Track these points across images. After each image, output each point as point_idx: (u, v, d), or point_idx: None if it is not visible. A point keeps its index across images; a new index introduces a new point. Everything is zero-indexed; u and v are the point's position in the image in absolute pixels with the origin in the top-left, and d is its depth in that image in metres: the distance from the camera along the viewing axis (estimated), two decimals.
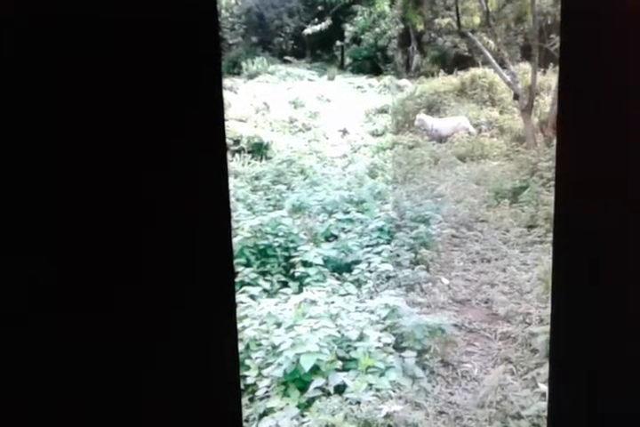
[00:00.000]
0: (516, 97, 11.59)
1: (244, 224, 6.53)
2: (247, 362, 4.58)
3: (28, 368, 0.85)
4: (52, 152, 0.83)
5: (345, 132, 12.92)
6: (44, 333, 0.85)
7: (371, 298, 5.56)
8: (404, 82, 15.98)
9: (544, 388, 4.34)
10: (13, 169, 0.83)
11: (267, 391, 4.34)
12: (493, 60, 11.72)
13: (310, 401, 4.21)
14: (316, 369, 4.37)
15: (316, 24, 18.86)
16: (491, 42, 13.24)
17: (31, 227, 0.84)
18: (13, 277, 0.83)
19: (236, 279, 5.64)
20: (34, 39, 0.82)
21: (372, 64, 18.11)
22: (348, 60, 19.19)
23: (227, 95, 13.19)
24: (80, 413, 0.88)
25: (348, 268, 6.22)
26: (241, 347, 4.65)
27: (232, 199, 7.48)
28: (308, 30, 18.81)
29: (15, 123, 0.82)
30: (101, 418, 0.89)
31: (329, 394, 4.24)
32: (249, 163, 10.32)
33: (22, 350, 0.85)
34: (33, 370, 0.85)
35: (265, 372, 4.44)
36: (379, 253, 6.41)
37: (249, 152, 10.80)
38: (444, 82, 14.87)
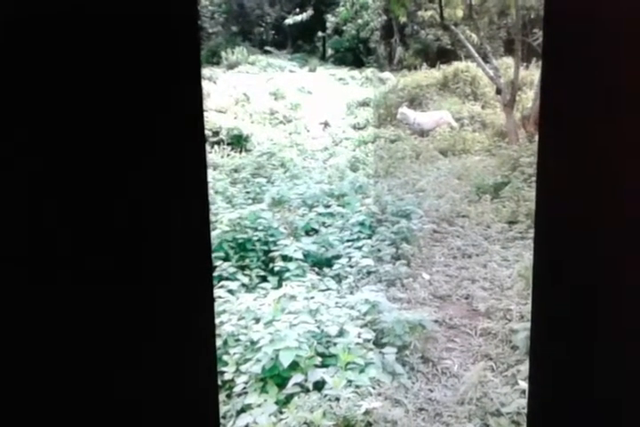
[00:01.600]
0: (498, 91, 11.60)
1: (223, 217, 6.46)
2: (225, 358, 4.52)
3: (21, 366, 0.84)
4: (32, 144, 0.82)
5: (326, 124, 12.86)
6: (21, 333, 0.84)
7: (351, 293, 5.52)
8: (386, 75, 15.95)
9: (524, 385, 4.33)
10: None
11: (244, 388, 4.29)
12: (476, 54, 11.71)
13: (289, 398, 4.17)
14: (294, 365, 4.32)
15: (298, 14, 18.76)
16: (474, 35, 13.24)
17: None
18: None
19: (215, 274, 5.57)
20: (15, 36, 0.79)
21: (354, 56, 18.06)
22: (329, 52, 19.13)
23: (206, 85, 13.06)
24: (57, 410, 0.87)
25: (329, 262, 6.18)
26: (219, 342, 4.59)
27: (211, 192, 7.39)
28: (290, 20, 18.70)
29: None
30: (75, 414, 0.87)
31: (308, 390, 4.19)
32: (228, 155, 10.23)
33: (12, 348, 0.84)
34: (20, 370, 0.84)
35: (243, 368, 4.38)
36: (359, 248, 6.37)
37: (228, 144, 10.70)
38: (427, 75, 14.86)
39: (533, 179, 7.54)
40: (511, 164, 8.99)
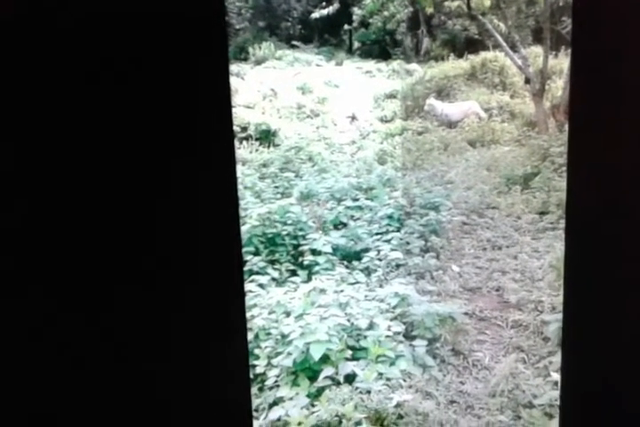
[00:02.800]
0: (527, 81, 11.46)
1: (252, 212, 6.50)
2: (256, 351, 4.56)
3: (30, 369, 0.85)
4: (58, 145, 0.82)
5: (354, 118, 12.84)
6: (53, 331, 0.85)
7: (380, 286, 5.52)
8: (413, 66, 15.84)
9: (556, 377, 4.30)
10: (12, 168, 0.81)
11: (276, 381, 4.33)
12: (504, 44, 11.58)
13: (320, 391, 4.19)
14: (325, 358, 4.34)
15: (324, 8, 18.70)
16: (501, 25, 13.08)
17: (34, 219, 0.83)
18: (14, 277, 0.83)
19: (245, 268, 5.62)
20: (37, 35, 0.80)
21: (380, 48, 17.95)
22: (356, 45, 19.04)
23: (234, 81, 13.12)
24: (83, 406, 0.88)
25: (358, 256, 6.18)
26: (250, 336, 4.63)
27: (240, 187, 7.44)
28: (316, 14, 18.65)
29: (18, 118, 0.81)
30: (107, 408, 0.88)
31: (339, 383, 4.22)
32: (257, 150, 10.27)
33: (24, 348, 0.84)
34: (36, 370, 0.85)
35: (274, 361, 4.42)
36: (388, 241, 6.36)
37: (256, 139, 10.74)
38: (454, 66, 14.72)
39: (564, 169, 7.45)
40: (541, 154, 8.88)
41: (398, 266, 5.94)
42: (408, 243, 6.41)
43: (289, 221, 6.43)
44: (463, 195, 7.92)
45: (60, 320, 0.86)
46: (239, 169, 8.46)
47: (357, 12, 18.34)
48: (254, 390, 4.30)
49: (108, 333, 0.87)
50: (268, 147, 10.53)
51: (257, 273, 5.66)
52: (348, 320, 4.68)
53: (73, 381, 0.87)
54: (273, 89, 13.55)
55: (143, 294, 0.88)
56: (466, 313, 5.28)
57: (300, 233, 6.35)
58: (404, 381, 4.31)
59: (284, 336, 4.55)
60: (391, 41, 17.77)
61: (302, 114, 12.83)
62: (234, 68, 14.41)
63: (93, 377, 0.88)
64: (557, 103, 10.78)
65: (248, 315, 4.73)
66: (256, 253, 6.05)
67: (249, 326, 4.62)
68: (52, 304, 0.85)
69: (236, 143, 10.04)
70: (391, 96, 13.88)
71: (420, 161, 9.66)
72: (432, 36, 17.37)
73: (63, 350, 0.86)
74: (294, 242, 6.26)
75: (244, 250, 5.89)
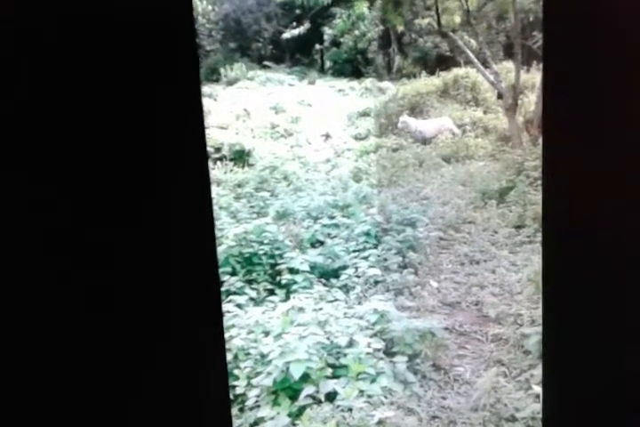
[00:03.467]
0: (499, 96, 11.61)
1: (229, 232, 6.46)
2: (236, 372, 4.51)
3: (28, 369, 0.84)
4: (37, 156, 0.82)
5: (328, 136, 12.88)
6: (42, 334, 0.84)
7: (359, 303, 5.50)
8: (385, 84, 15.98)
9: (538, 389, 4.29)
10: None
11: (257, 401, 4.27)
12: (475, 60, 11.73)
13: (301, 410, 4.15)
14: (305, 377, 4.30)
15: (295, 28, 18.84)
16: (472, 41, 13.27)
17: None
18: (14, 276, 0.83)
19: (222, 288, 5.56)
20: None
21: (352, 67, 18.11)
22: (328, 64, 19.18)
23: (206, 102, 13.12)
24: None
25: (336, 273, 6.16)
26: (229, 357, 4.57)
27: (215, 207, 7.40)
28: (287, 34, 18.78)
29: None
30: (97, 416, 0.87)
31: (320, 402, 4.18)
32: (231, 170, 10.24)
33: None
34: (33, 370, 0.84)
35: (254, 381, 4.37)
36: (366, 258, 6.35)
37: (231, 160, 10.72)
38: (426, 83, 14.88)
39: (539, 182, 7.51)
40: (516, 168, 8.96)
41: (377, 283, 5.93)
42: (386, 259, 6.40)
43: (265, 241, 6.40)
44: (439, 210, 7.96)
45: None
46: (214, 190, 8.43)
47: (328, 32, 18.51)
48: (234, 410, 4.24)
49: (87, 356, 0.86)
50: (243, 167, 10.51)
51: (234, 293, 5.61)
52: (328, 338, 4.65)
53: (52, 387, 0.85)
54: (246, 109, 13.57)
55: (119, 319, 0.87)
56: (445, 328, 5.27)
57: (277, 252, 6.31)
58: (386, 397, 4.28)
59: (263, 356, 4.50)
60: (363, 59, 17.94)
61: (276, 133, 12.85)
62: (206, 89, 14.43)
63: (69, 397, 0.86)
64: (530, 118, 10.90)
65: (227, 335, 4.67)
66: (233, 274, 6.00)
67: (228, 346, 4.56)
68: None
69: (210, 164, 10.01)
70: (365, 114, 13.97)
71: (395, 178, 9.70)
72: (403, 54, 17.57)
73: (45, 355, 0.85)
74: (272, 261, 6.22)
75: (220, 270, 5.83)
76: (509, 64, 13.36)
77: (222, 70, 16.73)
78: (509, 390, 4.38)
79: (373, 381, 4.40)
